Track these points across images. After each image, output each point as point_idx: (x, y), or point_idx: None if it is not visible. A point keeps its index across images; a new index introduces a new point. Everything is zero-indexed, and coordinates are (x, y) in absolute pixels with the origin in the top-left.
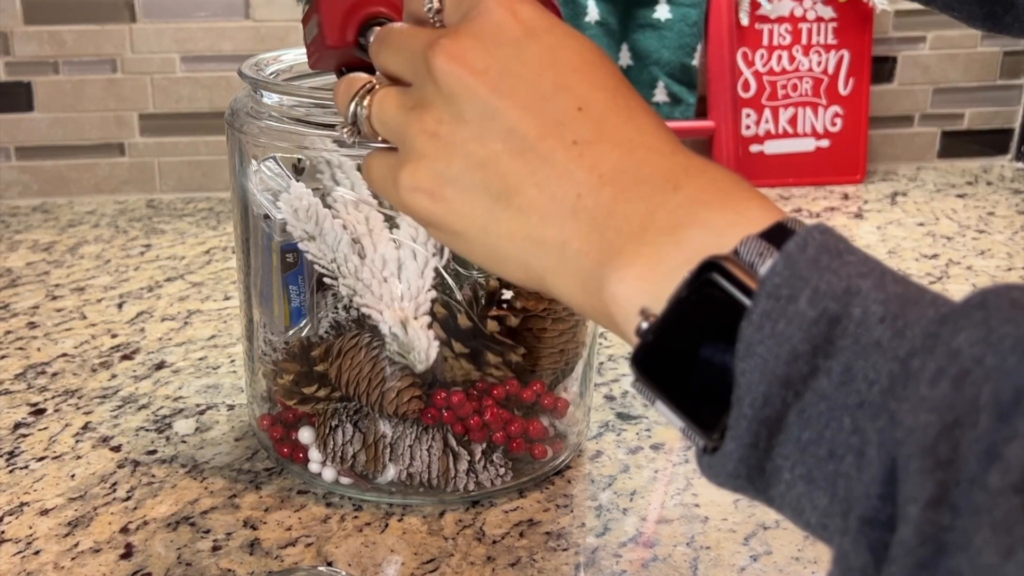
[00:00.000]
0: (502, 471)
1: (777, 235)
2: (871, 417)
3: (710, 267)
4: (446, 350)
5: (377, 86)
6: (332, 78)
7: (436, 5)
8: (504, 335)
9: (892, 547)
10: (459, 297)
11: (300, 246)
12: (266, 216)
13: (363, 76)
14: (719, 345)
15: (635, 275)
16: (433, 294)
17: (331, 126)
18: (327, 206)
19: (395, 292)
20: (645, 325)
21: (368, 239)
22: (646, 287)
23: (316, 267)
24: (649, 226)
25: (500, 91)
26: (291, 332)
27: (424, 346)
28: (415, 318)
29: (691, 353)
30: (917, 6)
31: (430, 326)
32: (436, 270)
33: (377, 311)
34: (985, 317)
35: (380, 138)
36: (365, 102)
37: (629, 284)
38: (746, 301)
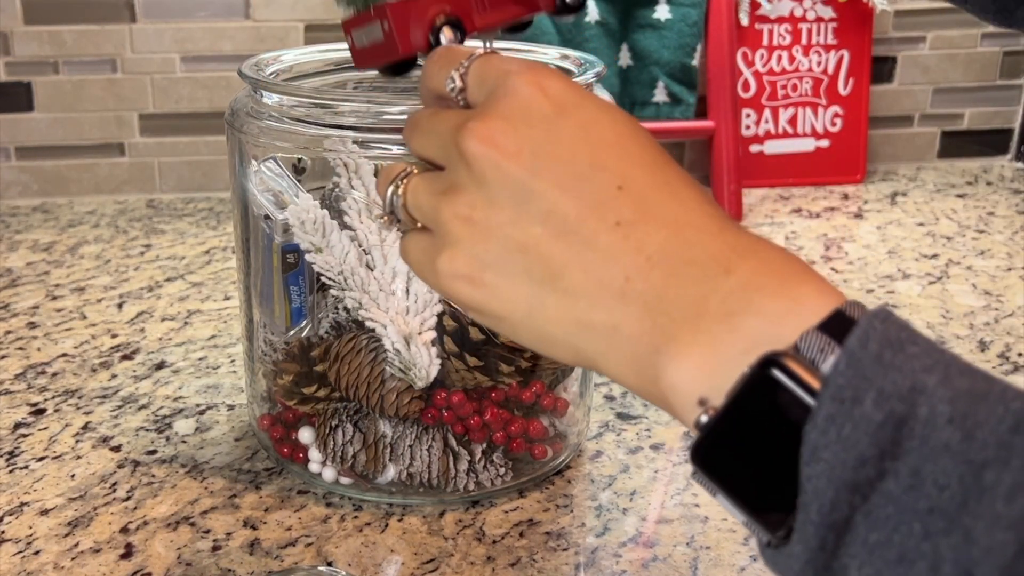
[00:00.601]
0: (502, 471)
1: (837, 326)
2: (944, 531)
3: (770, 363)
4: (458, 363)
5: (413, 172)
6: (333, 78)
7: (459, 84)
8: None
9: None
10: None
11: (307, 258)
12: (266, 216)
13: (400, 164)
14: (781, 439)
15: (692, 364)
16: (440, 308)
17: (338, 127)
18: (340, 211)
19: (401, 305)
20: (704, 419)
21: (379, 250)
22: (704, 377)
23: (323, 278)
24: (703, 312)
25: (535, 172)
26: (291, 332)
27: (425, 363)
28: (419, 333)
29: (752, 446)
30: (917, 6)
31: (434, 343)
32: None
33: (382, 325)
34: None
35: (419, 225)
36: (400, 190)
37: (686, 373)
38: (810, 401)
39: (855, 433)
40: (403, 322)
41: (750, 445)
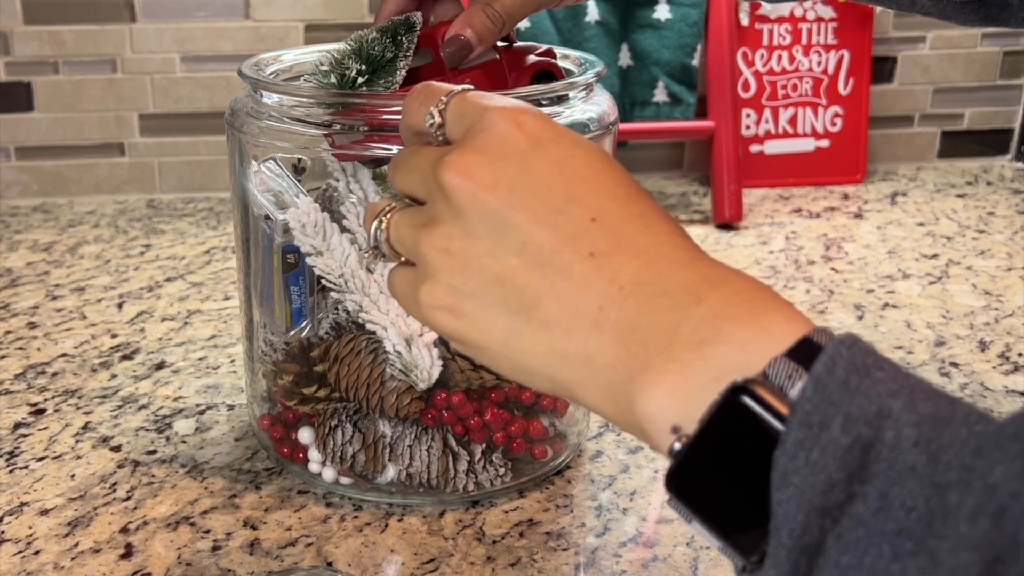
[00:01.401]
0: (502, 471)
1: (804, 352)
2: (912, 553)
3: (740, 390)
4: (462, 363)
5: (396, 207)
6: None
7: (438, 120)
8: None
9: None
10: None
11: (307, 261)
12: (267, 217)
13: (384, 201)
14: (752, 465)
15: (664, 392)
16: None
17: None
18: (339, 214)
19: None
20: (678, 446)
21: None
22: (676, 404)
23: (323, 281)
24: (674, 341)
25: (511, 205)
26: (291, 333)
27: (427, 365)
28: (420, 335)
29: (724, 472)
30: None
31: (435, 344)
32: None
33: (382, 327)
34: (1021, 450)
35: (402, 259)
36: (383, 225)
37: (659, 401)
38: (778, 426)
39: (823, 457)
40: (404, 324)
41: (723, 471)
